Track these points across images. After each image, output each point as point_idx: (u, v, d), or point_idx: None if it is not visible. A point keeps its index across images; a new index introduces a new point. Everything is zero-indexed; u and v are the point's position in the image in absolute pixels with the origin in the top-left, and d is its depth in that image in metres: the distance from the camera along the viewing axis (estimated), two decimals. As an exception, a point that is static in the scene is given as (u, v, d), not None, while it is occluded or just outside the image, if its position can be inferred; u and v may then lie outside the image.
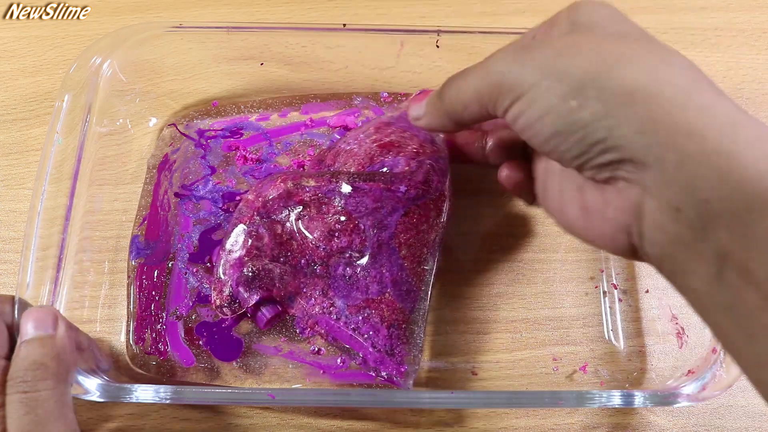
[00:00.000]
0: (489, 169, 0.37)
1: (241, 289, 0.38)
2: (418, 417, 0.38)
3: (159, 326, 0.39)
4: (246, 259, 0.38)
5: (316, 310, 0.38)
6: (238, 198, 0.43)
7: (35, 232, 0.35)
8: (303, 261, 0.39)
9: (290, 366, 0.39)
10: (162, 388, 0.33)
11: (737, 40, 0.51)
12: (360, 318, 0.38)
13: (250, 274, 0.38)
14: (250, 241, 0.38)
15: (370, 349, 0.37)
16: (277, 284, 0.38)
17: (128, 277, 0.41)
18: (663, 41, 0.27)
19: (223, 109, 0.46)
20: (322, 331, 0.38)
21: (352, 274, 0.38)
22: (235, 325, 0.39)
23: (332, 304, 0.38)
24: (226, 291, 0.38)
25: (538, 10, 0.52)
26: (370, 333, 0.37)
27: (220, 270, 0.38)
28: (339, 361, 0.39)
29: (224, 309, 0.38)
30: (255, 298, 0.38)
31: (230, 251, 0.39)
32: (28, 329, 0.30)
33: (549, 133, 0.26)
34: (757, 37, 0.51)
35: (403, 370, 0.37)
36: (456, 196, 0.40)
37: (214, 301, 0.38)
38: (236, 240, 0.39)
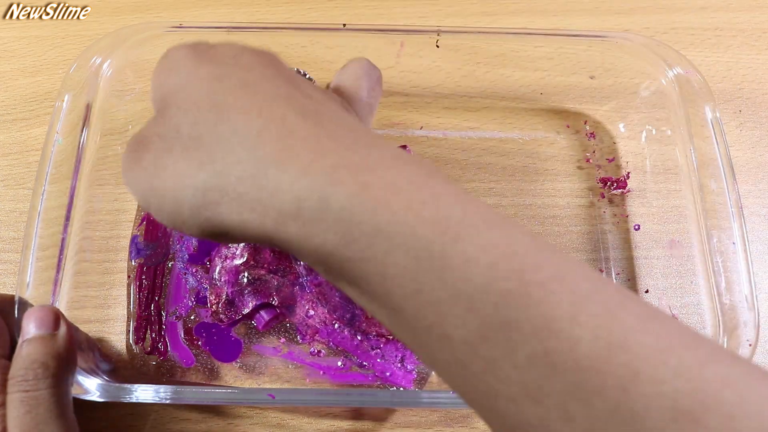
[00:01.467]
0: None
1: (236, 296, 0.38)
2: (418, 417, 0.38)
3: (159, 326, 0.39)
4: (242, 268, 0.38)
5: (317, 321, 0.38)
6: None
7: (35, 232, 0.35)
8: (301, 280, 0.39)
9: (290, 366, 0.39)
10: (162, 388, 0.33)
11: (737, 40, 0.51)
12: (370, 336, 0.37)
13: (245, 282, 0.38)
14: (247, 252, 0.38)
15: (378, 360, 0.37)
16: (275, 294, 0.38)
17: (128, 277, 0.41)
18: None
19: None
20: (324, 341, 0.38)
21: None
22: (234, 326, 0.39)
23: (334, 322, 0.38)
24: (223, 297, 0.38)
25: (538, 10, 0.52)
26: (381, 346, 0.37)
27: (216, 276, 0.38)
28: (339, 363, 0.39)
29: (220, 315, 0.38)
30: (251, 305, 0.38)
31: (227, 257, 0.38)
32: (30, 328, 0.30)
33: None
34: (757, 37, 0.51)
35: (411, 378, 0.37)
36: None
37: (211, 306, 0.38)
38: (234, 248, 0.39)
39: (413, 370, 0.37)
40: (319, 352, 0.39)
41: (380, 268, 0.20)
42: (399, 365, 0.37)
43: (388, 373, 0.37)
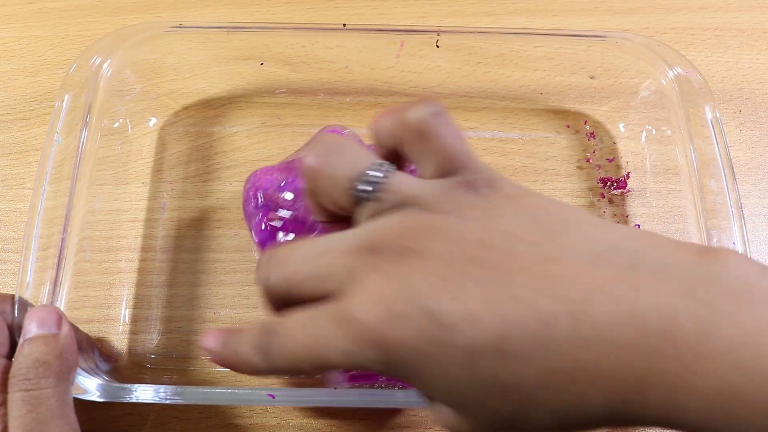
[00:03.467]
0: None
1: None
2: (418, 417, 0.38)
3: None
4: None
5: None
6: None
7: (35, 232, 0.35)
8: None
9: (290, 366, 0.39)
10: (162, 388, 0.33)
11: (737, 40, 0.51)
12: None
13: None
14: None
15: None
16: None
17: None
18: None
19: (223, 109, 0.46)
20: None
21: None
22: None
23: None
24: None
25: (538, 10, 0.52)
26: None
27: None
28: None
29: None
30: None
31: None
32: (32, 328, 0.30)
33: None
34: (757, 37, 0.51)
35: None
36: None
37: None
38: None
39: None
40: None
41: None
42: None
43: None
